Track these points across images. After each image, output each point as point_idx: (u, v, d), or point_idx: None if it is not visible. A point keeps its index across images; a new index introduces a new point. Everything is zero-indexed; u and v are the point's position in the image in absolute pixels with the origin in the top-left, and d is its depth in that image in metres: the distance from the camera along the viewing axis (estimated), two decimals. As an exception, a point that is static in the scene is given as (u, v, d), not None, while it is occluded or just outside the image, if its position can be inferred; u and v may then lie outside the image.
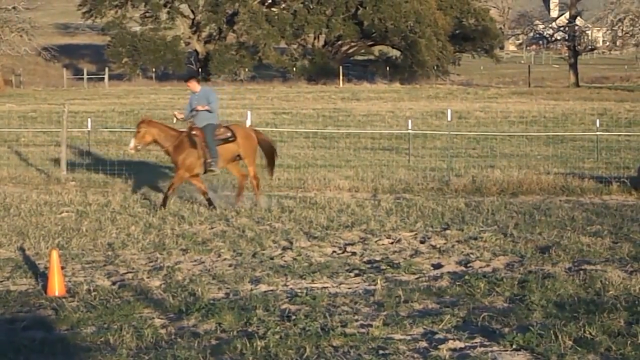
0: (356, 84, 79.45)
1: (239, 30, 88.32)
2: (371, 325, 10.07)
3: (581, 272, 12.40)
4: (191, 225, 16.61)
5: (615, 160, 27.37)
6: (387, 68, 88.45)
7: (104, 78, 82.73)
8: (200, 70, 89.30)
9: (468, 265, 13.22)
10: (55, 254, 11.73)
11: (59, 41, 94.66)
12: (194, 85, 19.32)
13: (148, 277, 12.54)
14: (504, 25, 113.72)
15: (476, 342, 9.52)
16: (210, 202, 18.75)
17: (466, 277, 12.20)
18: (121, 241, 15.10)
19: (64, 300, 11.29)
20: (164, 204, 18.49)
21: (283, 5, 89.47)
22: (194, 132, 18.91)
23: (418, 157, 28.77)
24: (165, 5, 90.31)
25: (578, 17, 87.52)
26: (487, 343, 9.49)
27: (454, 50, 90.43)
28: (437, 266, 13.21)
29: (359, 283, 12.23)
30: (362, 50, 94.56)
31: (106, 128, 35.16)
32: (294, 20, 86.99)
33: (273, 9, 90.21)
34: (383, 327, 9.99)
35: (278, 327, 9.99)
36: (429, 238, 15.28)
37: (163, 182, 22.06)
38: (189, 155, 18.85)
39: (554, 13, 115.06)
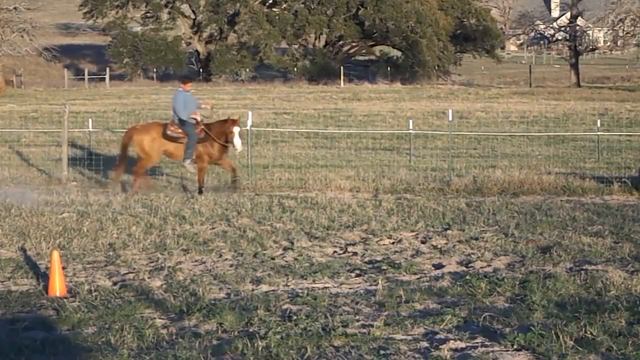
0: (357, 84, 79.43)
1: (240, 30, 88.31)
2: (372, 326, 10.07)
3: (582, 272, 12.40)
4: (192, 225, 16.62)
5: (616, 160, 27.39)
6: (388, 68, 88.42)
7: (105, 78, 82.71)
8: (201, 70, 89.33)
9: (469, 265, 13.22)
10: (56, 254, 11.74)
11: (60, 41, 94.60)
12: (190, 86, 21.61)
13: (149, 278, 12.55)
14: (505, 25, 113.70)
15: (477, 342, 9.52)
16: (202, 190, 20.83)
17: (467, 277, 12.20)
18: (122, 241, 15.10)
19: (65, 300, 11.29)
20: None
21: (284, 5, 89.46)
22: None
23: (419, 157, 28.77)
24: (166, 6, 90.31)
25: (579, 17, 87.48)
26: (488, 343, 9.50)
27: (455, 50, 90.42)
28: (438, 266, 13.21)
29: (360, 283, 12.23)
30: (363, 51, 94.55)
31: (108, 129, 35.18)
32: (295, 20, 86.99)
33: (274, 9, 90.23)
34: (384, 327, 9.99)
35: (279, 327, 9.99)
36: (430, 238, 15.28)
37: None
38: None
39: (555, 13, 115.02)
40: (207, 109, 23.09)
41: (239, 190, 21.08)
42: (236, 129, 20.71)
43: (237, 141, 20.74)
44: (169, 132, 20.98)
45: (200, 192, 20.75)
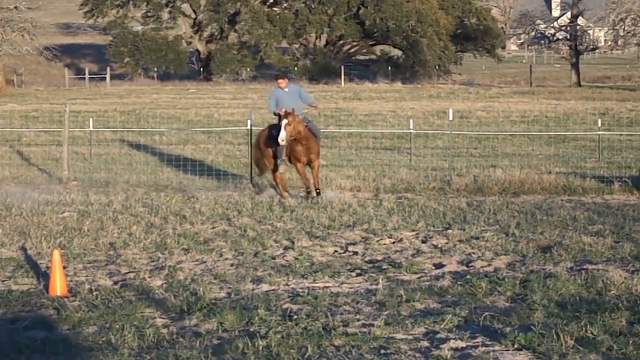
0: (358, 84, 79.41)
1: (241, 29, 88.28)
2: (373, 325, 10.07)
3: (583, 271, 12.40)
4: (193, 224, 16.62)
5: (617, 160, 27.39)
6: (389, 68, 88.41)
7: (105, 78, 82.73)
8: (202, 69, 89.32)
9: (470, 264, 13.22)
10: (57, 254, 11.74)
11: (60, 41, 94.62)
12: (285, 82, 20.92)
13: (150, 277, 12.55)
14: (505, 25, 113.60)
15: (478, 342, 9.52)
16: (309, 194, 19.76)
17: (468, 276, 12.20)
18: (123, 241, 15.10)
19: (65, 299, 11.30)
20: (313, 196, 19.65)
21: (285, 4, 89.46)
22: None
23: (420, 157, 28.77)
24: (166, 5, 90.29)
25: (580, 17, 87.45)
26: (489, 342, 9.49)
27: (456, 49, 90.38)
28: (439, 266, 13.21)
29: (360, 282, 12.23)
30: (364, 50, 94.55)
31: (108, 128, 35.21)
32: (296, 19, 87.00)
33: (275, 8, 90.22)
34: (385, 327, 9.99)
35: (280, 327, 10.00)
36: (430, 237, 15.28)
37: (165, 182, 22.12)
38: (319, 146, 20.39)
39: (556, 12, 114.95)
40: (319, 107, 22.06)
41: (313, 200, 19.59)
42: (284, 122, 19.81)
43: (280, 133, 19.73)
44: (272, 132, 20.50)
45: (307, 194, 19.74)
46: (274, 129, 20.32)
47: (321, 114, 44.19)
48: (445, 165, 25.70)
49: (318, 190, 19.96)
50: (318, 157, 20.19)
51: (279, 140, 19.77)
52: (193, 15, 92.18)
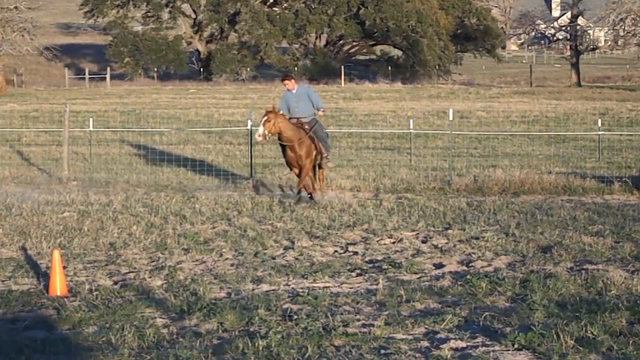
0: (358, 84, 79.40)
1: (241, 29, 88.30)
2: (373, 325, 10.07)
3: (583, 271, 12.40)
4: (193, 224, 16.62)
5: (617, 160, 27.39)
6: (389, 68, 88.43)
7: (105, 78, 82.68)
8: (202, 69, 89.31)
9: (470, 264, 13.22)
10: (57, 254, 11.74)
11: (60, 41, 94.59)
12: (291, 84, 19.79)
13: (150, 277, 12.55)
14: (505, 25, 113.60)
15: (478, 342, 9.52)
16: (312, 198, 19.33)
17: (468, 276, 12.20)
18: (123, 241, 15.10)
19: (65, 299, 11.30)
20: (299, 200, 19.08)
21: (285, 4, 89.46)
22: (306, 127, 19.52)
23: (420, 157, 28.77)
24: (167, 5, 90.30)
25: (580, 17, 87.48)
26: (489, 342, 9.49)
27: (456, 49, 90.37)
28: (439, 266, 13.21)
29: (360, 282, 12.23)
30: (364, 50, 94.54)
31: (108, 128, 35.20)
32: (296, 19, 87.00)
33: (275, 8, 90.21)
34: (385, 327, 9.99)
35: (280, 327, 9.99)
36: (430, 237, 15.28)
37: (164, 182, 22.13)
38: (311, 149, 19.41)
39: (556, 13, 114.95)
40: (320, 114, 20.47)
41: (303, 204, 19.00)
42: (263, 119, 19.11)
43: (258, 129, 19.06)
44: None
45: (298, 197, 19.26)
46: None
47: (321, 114, 44.22)
48: (445, 165, 25.69)
49: (319, 192, 19.72)
50: (307, 157, 19.35)
51: (256, 135, 19.37)
52: (193, 15, 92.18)
